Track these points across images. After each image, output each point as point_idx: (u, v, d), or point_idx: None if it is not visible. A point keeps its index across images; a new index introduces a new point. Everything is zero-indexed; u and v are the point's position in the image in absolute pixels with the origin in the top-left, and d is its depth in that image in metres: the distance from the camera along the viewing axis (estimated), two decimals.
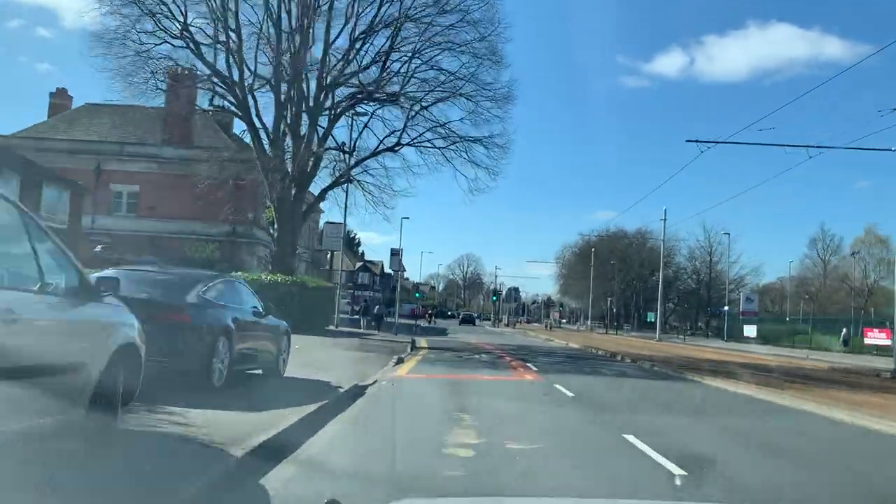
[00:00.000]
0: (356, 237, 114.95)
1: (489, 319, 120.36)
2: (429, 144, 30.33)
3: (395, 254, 33.32)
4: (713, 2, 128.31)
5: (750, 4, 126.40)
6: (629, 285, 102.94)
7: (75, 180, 32.67)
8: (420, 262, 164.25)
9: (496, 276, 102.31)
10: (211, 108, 31.03)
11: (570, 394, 12.43)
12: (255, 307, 11.33)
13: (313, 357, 17.41)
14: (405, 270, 32.97)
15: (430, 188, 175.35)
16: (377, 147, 30.88)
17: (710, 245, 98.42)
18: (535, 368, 18.27)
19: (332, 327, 34.46)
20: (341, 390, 10.73)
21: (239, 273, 27.34)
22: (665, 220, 58.82)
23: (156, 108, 40.16)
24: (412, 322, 64.22)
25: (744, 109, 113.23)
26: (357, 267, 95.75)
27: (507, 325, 68.52)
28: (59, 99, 51.76)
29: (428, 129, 30.37)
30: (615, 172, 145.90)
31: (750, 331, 64.90)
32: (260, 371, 11.48)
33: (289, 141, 29.22)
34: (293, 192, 29.16)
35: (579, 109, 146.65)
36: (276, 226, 29.19)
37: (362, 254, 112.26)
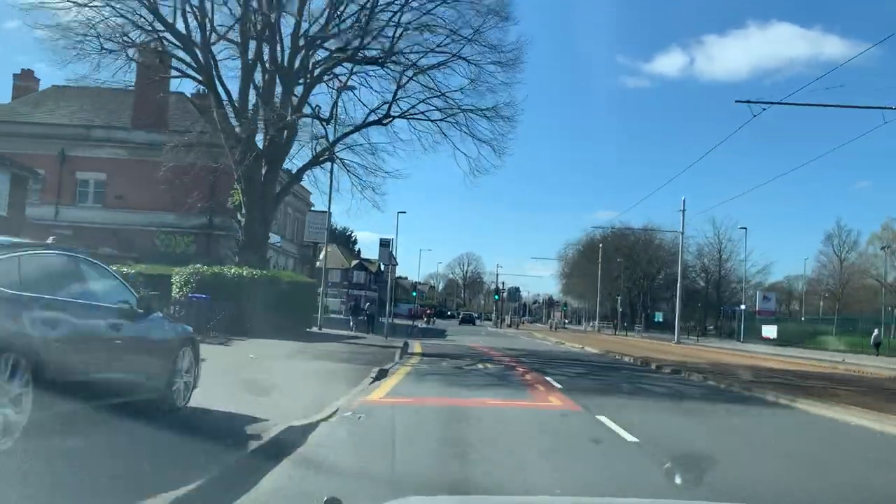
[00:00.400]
0: (353, 235, 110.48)
1: (490, 319, 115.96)
2: (423, 117, 25.77)
3: (385, 245, 28.76)
4: (713, 1, 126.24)
5: (750, 4, 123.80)
6: (635, 284, 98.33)
7: (15, 161, 28.10)
8: (419, 260, 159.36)
9: (497, 275, 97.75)
10: (176, 74, 26.20)
11: (629, 437, 7.88)
12: (124, 302, 6.84)
13: (265, 372, 12.92)
14: (397, 263, 28.63)
15: (429, 183, 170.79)
16: (365, 119, 26.36)
17: (720, 242, 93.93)
18: (558, 385, 13.71)
19: (314, 329, 29.93)
20: (257, 443, 6.23)
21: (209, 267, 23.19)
22: (684, 210, 54.09)
23: (127, 91, 35.80)
24: (409, 323, 59.73)
25: (744, 109, 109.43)
26: (353, 265, 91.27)
27: (510, 326, 64.05)
28: (25, 81, 47.29)
29: (423, 101, 25.85)
30: (615, 172, 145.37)
31: (769, 331, 60.33)
32: (148, 397, 7.04)
33: (261, 112, 24.65)
34: (263, 170, 24.61)
35: (580, 109, 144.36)
36: (243, 210, 24.59)
37: (358, 251, 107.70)
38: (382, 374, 14.50)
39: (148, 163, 37.11)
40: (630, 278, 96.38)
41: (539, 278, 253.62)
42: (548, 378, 15.14)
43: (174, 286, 23.03)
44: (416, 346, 26.84)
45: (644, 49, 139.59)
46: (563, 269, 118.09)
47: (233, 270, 23.34)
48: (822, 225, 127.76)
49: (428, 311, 75.65)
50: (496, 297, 62.09)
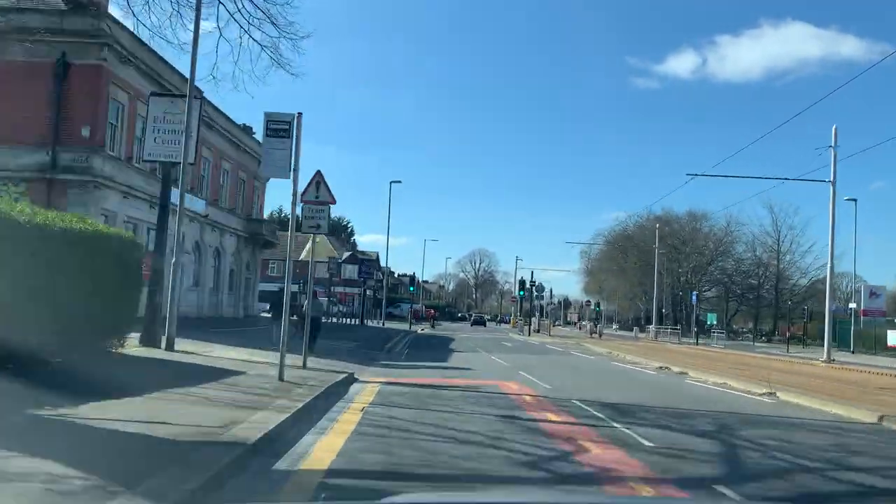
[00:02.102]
0: (349, 226, 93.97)
1: (506, 322, 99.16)
2: None
3: (318, 181, 11.88)
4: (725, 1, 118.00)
5: (764, 3, 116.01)
6: (679, 280, 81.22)
7: None
8: (423, 251, 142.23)
9: (517, 268, 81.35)
10: None
11: None
12: None
13: None
14: (334, 202, 13.23)
15: (439, 174, 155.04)
16: None
17: (778, 230, 76.81)
18: None
19: (135, 347, 13.30)
20: None
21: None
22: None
23: None
24: (404, 328, 43.59)
25: (756, 110, 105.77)
26: (344, 258, 74.65)
27: (538, 331, 47.28)
28: None
29: None
30: (625, 173, 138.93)
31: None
32: None
33: None
34: None
35: (588, 108, 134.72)
36: None
37: (354, 243, 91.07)
38: None
39: None
40: (674, 273, 79.41)
41: (562, 277, 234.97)
42: None
43: None
44: (365, 391, 10.45)
45: (655, 50, 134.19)
46: (586, 266, 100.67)
47: None
48: None
49: (431, 312, 59.48)
50: (521, 292, 45.09)
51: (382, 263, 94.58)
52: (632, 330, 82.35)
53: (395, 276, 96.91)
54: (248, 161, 38.26)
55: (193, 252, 31.54)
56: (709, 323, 75.07)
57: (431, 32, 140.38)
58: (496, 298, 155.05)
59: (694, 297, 70.82)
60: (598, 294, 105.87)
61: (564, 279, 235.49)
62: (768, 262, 78.55)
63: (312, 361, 13.13)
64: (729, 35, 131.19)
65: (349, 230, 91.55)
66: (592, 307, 77.93)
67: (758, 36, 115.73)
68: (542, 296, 50.13)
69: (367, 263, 45.45)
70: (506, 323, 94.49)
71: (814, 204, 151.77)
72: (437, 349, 25.53)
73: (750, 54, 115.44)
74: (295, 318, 17.64)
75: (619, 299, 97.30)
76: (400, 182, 47.01)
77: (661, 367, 19.24)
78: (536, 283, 46.69)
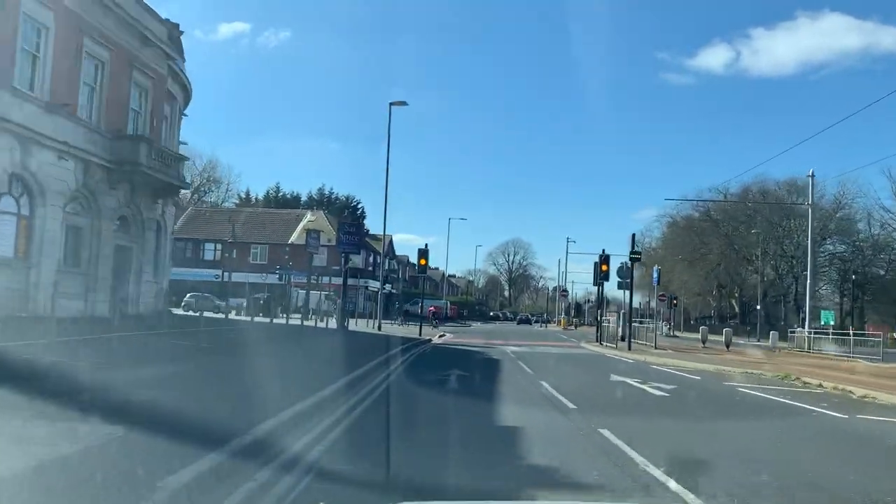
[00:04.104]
0: (359, 206, 76.33)
1: (542, 321, 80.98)
2: None
3: None
4: None
5: None
6: (775, 268, 61.93)
7: None
8: (447, 238, 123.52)
9: (567, 252, 63.81)
10: None
11: None
12: None
13: None
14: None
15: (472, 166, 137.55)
16: None
17: None
18: None
19: None
20: None
21: None
22: None
23: None
24: (415, 333, 26.05)
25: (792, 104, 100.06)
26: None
27: (622, 339, 28.73)
28: None
29: None
30: (659, 169, 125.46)
31: None
32: None
33: None
34: None
35: (625, 102, 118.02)
36: None
37: (363, 227, 73.35)
38: None
39: None
40: (768, 258, 60.23)
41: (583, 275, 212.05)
42: None
43: None
44: None
45: (687, 44, 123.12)
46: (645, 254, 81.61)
47: None
48: None
49: (432, 310, 42.96)
50: (598, 279, 26.60)
51: (406, 255, 77.25)
52: (698, 332, 62.77)
53: (414, 266, 79.27)
54: (147, 55, 21.00)
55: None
56: (823, 322, 55.64)
57: (480, 31, 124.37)
58: (530, 296, 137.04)
59: (805, 287, 51.60)
60: (644, 290, 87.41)
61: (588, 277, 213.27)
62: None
63: None
64: (763, 28, 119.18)
65: (359, 212, 74.03)
66: (670, 304, 59.08)
67: (793, 28, 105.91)
68: (625, 282, 31.77)
69: (350, 228, 27.45)
70: (545, 324, 76.33)
71: None
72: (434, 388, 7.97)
73: (785, 47, 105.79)
74: None
75: (687, 295, 78.05)
76: (405, 104, 29.03)
77: None
78: (626, 265, 28.46)
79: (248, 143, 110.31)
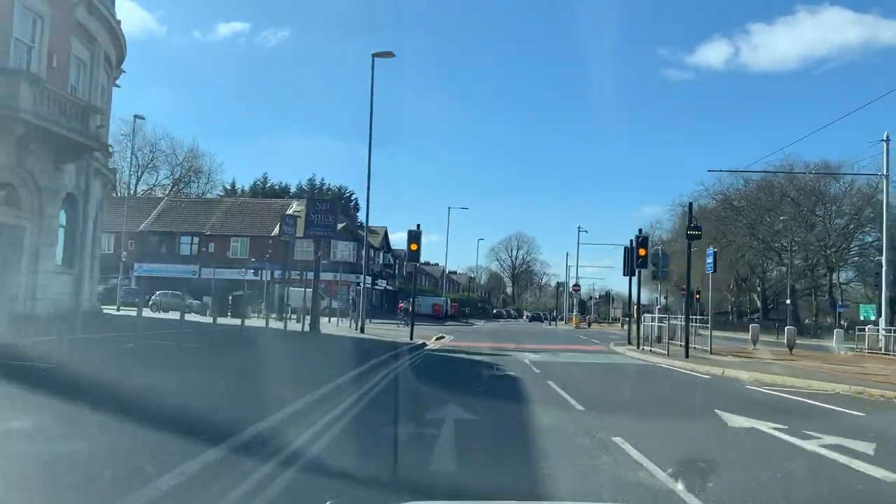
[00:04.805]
0: (352, 196, 70.65)
1: (547, 319, 75.38)
2: None
3: None
4: None
5: None
6: (806, 258, 56.10)
7: None
8: (447, 229, 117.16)
9: (579, 243, 58.40)
10: None
11: None
12: None
13: None
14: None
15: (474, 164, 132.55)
16: None
17: None
18: None
19: None
20: None
21: None
22: None
23: None
24: (400, 338, 20.03)
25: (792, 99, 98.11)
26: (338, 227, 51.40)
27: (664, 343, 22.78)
28: None
29: None
30: (663, 168, 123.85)
31: None
32: None
33: None
34: None
35: (628, 98, 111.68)
36: None
37: (356, 219, 67.69)
38: None
39: None
40: (800, 248, 54.40)
41: (592, 271, 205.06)
42: None
43: None
44: None
45: (687, 40, 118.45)
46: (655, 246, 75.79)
47: None
48: None
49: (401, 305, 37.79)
50: (637, 265, 20.86)
51: (403, 250, 70.88)
52: (724, 330, 57.02)
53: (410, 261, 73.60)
54: None
55: None
56: (863, 317, 50.08)
57: (468, 36, 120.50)
58: (533, 293, 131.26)
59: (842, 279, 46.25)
60: (667, 284, 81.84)
61: (599, 272, 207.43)
62: None
63: None
64: (762, 23, 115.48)
65: (353, 203, 68.24)
66: (689, 299, 53.00)
67: (793, 23, 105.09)
68: (662, 270, 26.15)
69: (323, 206, 21.45)
70: (553, 321, 70.60)
71: None
72: None
73: (785, 42, 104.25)
74: None
75: (704, 289, 72.12)
76: (391, 55, 23.30)
77: None
78: (657, 250, 22.77)
79: (241, 140, 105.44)
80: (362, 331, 24.06)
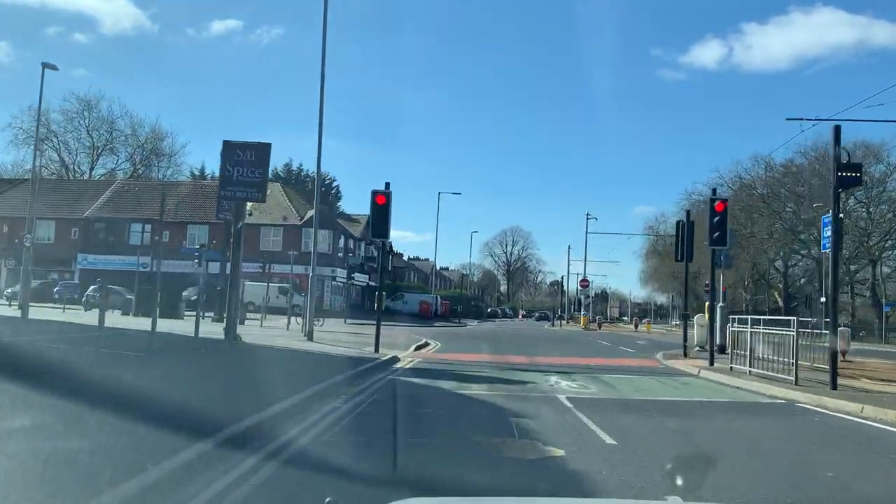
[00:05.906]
0: (334, 184, 63.33)
1: (547, 318, 68.49)
2: None
3: None
4: None
5: None
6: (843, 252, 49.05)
7: None
8: (436, 216, 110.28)
9: (587, 232, 51.56)
10: None
11: None
12: None
13: None
14: None
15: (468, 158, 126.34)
16: None
17: None
18: None
19: None
20: None
21: None
22: None
23: None
24: (364, 352, 12.84)
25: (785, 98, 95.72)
26: (304, 217, 43.79)
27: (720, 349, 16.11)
28: None
29: None
30: (656, 169, 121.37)
31: None
32: None
33: None
34: None
35: (624, 98, 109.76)
36: None
37: (337, 208, 60.17)
38: None
39: None
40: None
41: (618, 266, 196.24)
42: None
43: None
44: None
45: (680, 40, 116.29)
46: (652, 246, 68.19)
47: None
48: None
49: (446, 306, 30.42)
50: (684, 247, 13.67)
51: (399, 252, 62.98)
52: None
53: (400, 257, 66.05)
54: None
55: None
56: None
57: (457, 31, 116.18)
58: (527, 291, 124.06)
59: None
60: (659, 284, 75.01)
61: (598, 268, 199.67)
62: None
63: None
64: (755, 23, 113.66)
65: (333, 191, 60.75)
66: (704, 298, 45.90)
67: (786, 23, 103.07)
68: (726, 256, 18.96)
69: (242, 151, 14.51)
70: (556, 322, 63.43)
71: None
72: None
73: (778, 42, 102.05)
74: None
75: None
76: None
77: None
78: (722, 233, 15.65)
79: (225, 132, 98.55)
80: (310, 337, 16.71)
